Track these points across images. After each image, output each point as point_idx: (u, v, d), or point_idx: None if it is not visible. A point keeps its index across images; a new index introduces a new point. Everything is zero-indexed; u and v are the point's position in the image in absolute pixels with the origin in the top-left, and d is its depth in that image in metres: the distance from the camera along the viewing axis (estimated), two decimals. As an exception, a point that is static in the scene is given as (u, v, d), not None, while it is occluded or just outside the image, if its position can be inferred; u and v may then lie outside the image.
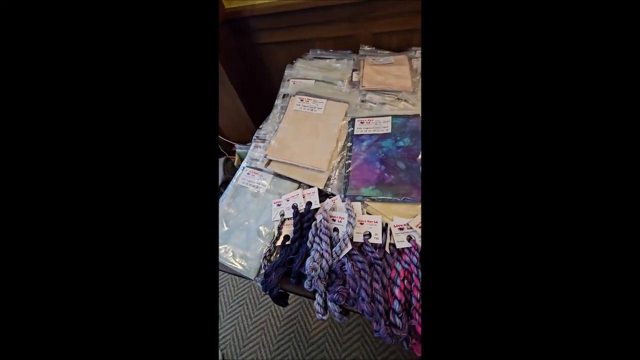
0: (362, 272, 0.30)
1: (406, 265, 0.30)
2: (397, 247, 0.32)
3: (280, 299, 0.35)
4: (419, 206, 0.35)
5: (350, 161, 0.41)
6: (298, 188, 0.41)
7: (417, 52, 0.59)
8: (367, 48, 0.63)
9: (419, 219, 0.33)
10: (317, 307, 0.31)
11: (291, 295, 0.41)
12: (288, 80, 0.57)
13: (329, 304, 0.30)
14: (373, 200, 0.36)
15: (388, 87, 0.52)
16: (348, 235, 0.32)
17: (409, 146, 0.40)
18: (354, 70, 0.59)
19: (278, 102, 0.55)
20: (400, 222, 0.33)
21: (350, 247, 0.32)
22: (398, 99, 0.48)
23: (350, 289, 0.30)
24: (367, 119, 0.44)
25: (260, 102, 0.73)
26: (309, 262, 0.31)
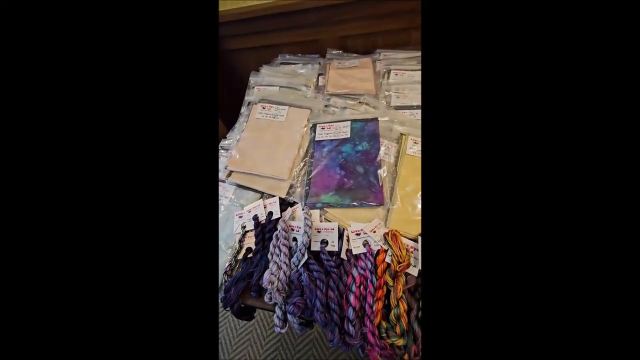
0: (317, 282, 0.30)
1: (362, 271, 0.30)
2: (354, 253, 0.32)
3: (243, 314, 0.34)
4: (376, 210, 0.35)
5: (312, 168, 0.41)
6: (260, 198, 0.40)
7: (382, 55, 0.60)
8: (334, 51, 0.63)
9: (374, 223, 0.33)
10: (276, 320, 0.30)
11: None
12: (253, 87, 0.57)
13: (288, 316, 0.30)
14: (332, 206, 0.36)
15: (351, 91, 0.52)
16: (304, 244, 0.32)
17: (367, 150, 0.40)
18: (320, 74, 0.59)
19: (243, 110, 0.55)
20: (358, 227, 0.33)
21: (307, 256, 0.32)
22: (360, 102, 0.49)
23: (308, 299, 0.29)
24: (327, 124, 0.44)
25: (233, 111, 0.72)
26: (266, 275, 0.31)
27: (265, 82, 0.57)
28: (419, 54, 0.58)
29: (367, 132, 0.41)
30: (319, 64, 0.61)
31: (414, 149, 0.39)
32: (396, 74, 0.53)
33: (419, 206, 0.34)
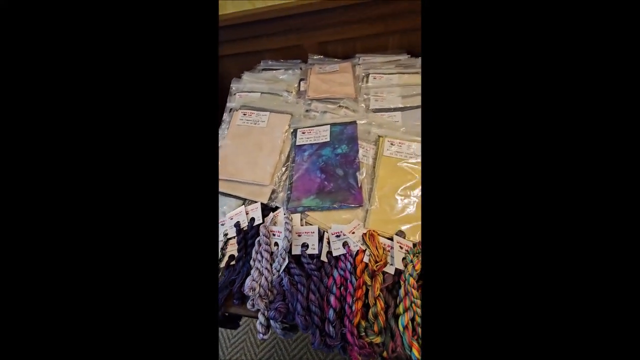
0: (299, 285, 0.30)
1: (342, 272, 0.31)
2: (334, 254, 0.32)
3: (228, 323, 0.34)
4: (356, 211, 0.36)
5: (293, 172, 0.41)
6: (242, 205, 0.40)
7: (361, 59, 0.61)
8: (315, 57, 0.64)
9: (353, 224, 0.33)
10: (259, 327, 0.30)
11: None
12: (234, 94, 0.57)
13: (271, 321, 0.30)
14: (313, 210, 0.37)
15: (332, 95, 0.54)
16: (285, 249, 0.32)
17: (346, 153, 0.41)
18: (301, 79, 0.60)
19: (225, 117, 0.55)
20: (338, 229, 0.33)
21: (287, 261, 0.32)
22: (339, 106, 0.50)
23: (289, 304, 0.30)
24: (308, 128, 0.45)
25: (218, 118, 0.72)
26: (248, 282, 0.31)
27: (247, 88, 0.58)
28: (396, 57, 0.60)
29: (345, 135, 0.42)
30: (301, 69, 0.62)
31: (391, 150, 0.40)
32: (374, 78, 0.54)
33: (397, 206, 0.35)
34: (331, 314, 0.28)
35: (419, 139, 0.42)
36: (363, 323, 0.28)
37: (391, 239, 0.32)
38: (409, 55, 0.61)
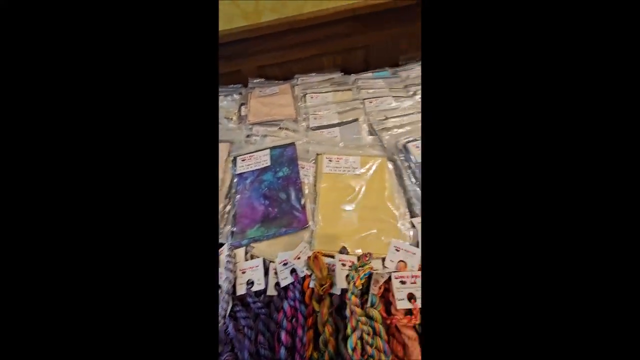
0: (246, 329, 0.28)
1: (292, 302, 0.30)
2: (282, 285, 0.31)
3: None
4: (302, 234, 0.36)
5: (236, 202, 0.39)
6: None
7: (299, 79, 0.64)
8: (255, 80, 0.65)
9: (299, 249, 0.33)
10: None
11: None
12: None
13: (219, 377, 0.27)
14: (258, 240, 0.35)
15: (273, 118, 0.54)
16: (227, 292, 0.30)
17: (288, 175, 0.41)
18: (242, 104, 0.60)
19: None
20: (283, 257, 0.33)
21: (231, 304, 0.30)
22: (280, 128, 0.50)
23: (238, 352, 0.27)
24: (247, 155, 0.44)
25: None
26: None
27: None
28: (331, 76, 0.65)
29: (285, 157, 0.43)
30: (241, 94, 0.62)
31: (330, 166, 0.41)
32: (312, 97, 0.57)
33: (340, 221, 0.36)
34: (282, 353, 0.27)
35: (358, 151, 0.44)
36: (315, 355, 0.26)
37: (341, 252, 0.32)
38: (342, 73, 0.66)
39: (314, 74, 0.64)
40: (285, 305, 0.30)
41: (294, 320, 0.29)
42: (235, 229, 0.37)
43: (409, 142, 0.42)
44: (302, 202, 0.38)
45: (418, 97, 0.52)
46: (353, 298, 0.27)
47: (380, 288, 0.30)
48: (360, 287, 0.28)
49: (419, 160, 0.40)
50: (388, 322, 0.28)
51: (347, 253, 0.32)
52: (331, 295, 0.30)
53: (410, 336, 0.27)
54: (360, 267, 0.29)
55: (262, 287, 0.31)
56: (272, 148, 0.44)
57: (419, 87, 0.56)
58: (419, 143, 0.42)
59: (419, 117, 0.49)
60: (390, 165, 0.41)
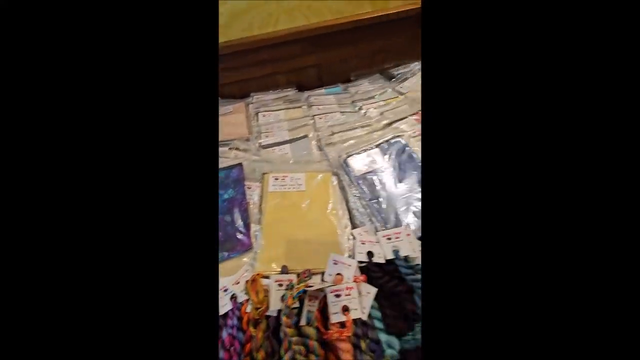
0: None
1: (230, 330, 0.29)
2: (222, 312, 0.30)
3: None
4: (244, 258, 0.36)
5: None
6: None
7: (254, 97, 0.65)
8: (211, 100, 0.65)
9: (239, 273, 0.33)
10: None
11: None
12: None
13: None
14: (199, 267, 0.35)
15: (224, 138, 0.54)
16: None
17: (233, 197, 0.41)
18: (196, 125, 0.60)
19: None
20: (223, 284, 0.32)
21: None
22: (230, 148, 0.51)
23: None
24: (194, 179, 0.44)
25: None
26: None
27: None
28: (285, 93, 0.67)
29: (231, 178, 0.43)
30: (195, 114, 0.62)
31: (275, 184, 0.42)
32: (264, 115, 0.58)
33: (283, 240, 0.36)
34: (216, 385, 0.26)
35: (305, 168, 0.45)
36: (250, 383, 0.26)
37: (283, 271, 0.33)
38: (296, 90, 0.68)
39: (270, 92, 0.65)
40: (224, 333, 0.29)
41: (231, 348, 0.28)
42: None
43: (349, 156, 0.44)
44: (247, 222, 0.38)
45: (363, 112, 0.56)
46: (284, 319, 0.27)
47: (320, 303, 0.30)
48: (293, 306, 0.28)
49: (357, 174, 0.42)
50: (325, 337, 0.28)
51: (287, 272, 0.33)
52: (267, 317, 0.30)
53: (344, 348, 0.27)
54: (297, 285, 0.30)
55: (198, 317, 0.30)
56: (218, 170, 0.44)
57: (365, 102, 0.60)
58: (358, 157, 0.44)
59: (362, 131, 0.52)
60: (334, 180, 0.43)
